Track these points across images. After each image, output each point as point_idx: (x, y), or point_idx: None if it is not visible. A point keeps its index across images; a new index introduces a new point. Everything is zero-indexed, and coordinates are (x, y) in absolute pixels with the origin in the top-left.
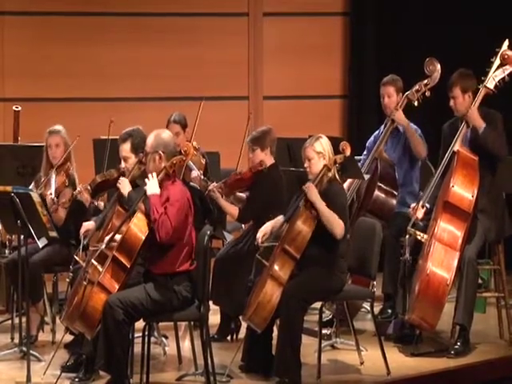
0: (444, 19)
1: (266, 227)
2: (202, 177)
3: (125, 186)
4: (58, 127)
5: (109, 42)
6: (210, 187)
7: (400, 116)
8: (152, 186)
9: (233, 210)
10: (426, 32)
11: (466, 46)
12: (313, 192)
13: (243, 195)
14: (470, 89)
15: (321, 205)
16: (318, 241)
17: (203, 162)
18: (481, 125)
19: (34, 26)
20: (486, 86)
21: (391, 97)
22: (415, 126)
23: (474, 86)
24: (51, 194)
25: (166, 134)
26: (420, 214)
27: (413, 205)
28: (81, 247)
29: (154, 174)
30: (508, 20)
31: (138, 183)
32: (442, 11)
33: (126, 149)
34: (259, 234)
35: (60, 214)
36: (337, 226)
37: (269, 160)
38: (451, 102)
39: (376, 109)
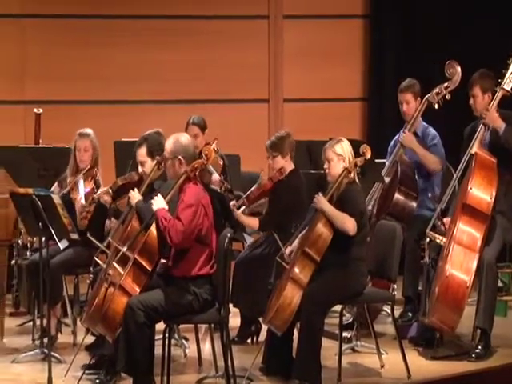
0: (464, 21)
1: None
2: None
3: (134, 197)
4: (88, 130)
5: (131, 44)
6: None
7: (409, 139)
8: (158, 202)
9: (253, 222)
10: (446, 34)
11: (486, 47)
12: (320, 202)
13: (263, 200)
14: (489, 89)
15: (329, 210)
16: (338, 244)
17: (221, 163)
18: (501, 125)
19: (56, 29)
20: (503, 88)
21: (410, 103)
22: (434, 132)
23: (494, 87)
24: (81, 199)
25: (185, 138)
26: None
27: (445, 219)
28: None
29: (160, 195)
30: None
31: (154, 186)
32: (462, 13)
33: (142, 153)
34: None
35: (85, 221)
36: (346, 221)
37: (289, 166)
38: (471, 101)
39: (396, 111)
